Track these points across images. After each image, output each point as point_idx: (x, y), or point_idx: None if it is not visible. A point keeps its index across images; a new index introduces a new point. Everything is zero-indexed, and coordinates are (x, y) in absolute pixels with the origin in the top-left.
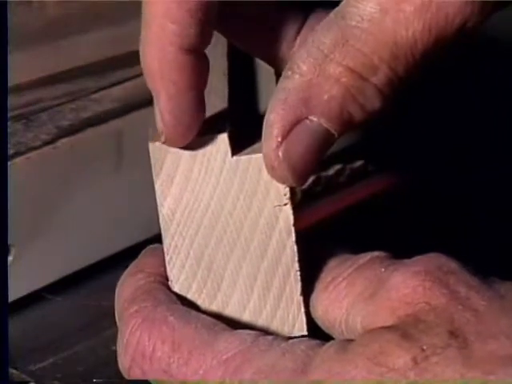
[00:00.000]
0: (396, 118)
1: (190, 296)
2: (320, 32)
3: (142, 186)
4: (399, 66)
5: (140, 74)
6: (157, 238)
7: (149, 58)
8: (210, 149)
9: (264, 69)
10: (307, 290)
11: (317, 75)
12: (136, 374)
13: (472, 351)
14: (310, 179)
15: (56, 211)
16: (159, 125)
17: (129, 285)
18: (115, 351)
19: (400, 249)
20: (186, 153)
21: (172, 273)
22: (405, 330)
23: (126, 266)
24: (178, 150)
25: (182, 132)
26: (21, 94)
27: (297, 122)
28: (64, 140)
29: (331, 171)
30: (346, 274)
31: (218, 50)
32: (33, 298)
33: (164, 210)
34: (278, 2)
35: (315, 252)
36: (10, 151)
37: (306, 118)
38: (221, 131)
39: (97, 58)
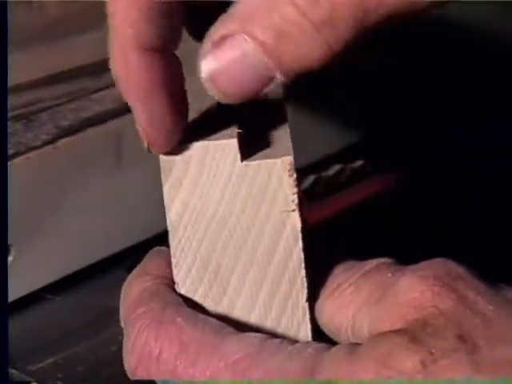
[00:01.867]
0: (396, 117)
1: (195, 300)
2: None
3: (142, 185)
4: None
5: None
6: (156, 238)
7: (114, 66)
8: (219, 153)
9: None
10: (312, 297)
11: (258, 2)
12: (142, 375)
13: (480, 355)
14: (311, 179)
15: (56, 211)
16: (140, 132)
17: (135, 286)
18: (115, 351)
19: (400, 249)
20: (196, 156)
21: (178, 276)
22: (413, 333)
23: (126, 266)
24: (187, 153)
25: (162, 137)
26: (21, 94)
27: (228, 35)
28: (64, 140)
29: (331, 171)
30: (352, 280)
31: None
32: (33, 298)
33: (172, 214)
34: None
35: (320, 258)
36: (10, 151)
37: (240, 35)
38: (230, 135)
39: (97, 58)
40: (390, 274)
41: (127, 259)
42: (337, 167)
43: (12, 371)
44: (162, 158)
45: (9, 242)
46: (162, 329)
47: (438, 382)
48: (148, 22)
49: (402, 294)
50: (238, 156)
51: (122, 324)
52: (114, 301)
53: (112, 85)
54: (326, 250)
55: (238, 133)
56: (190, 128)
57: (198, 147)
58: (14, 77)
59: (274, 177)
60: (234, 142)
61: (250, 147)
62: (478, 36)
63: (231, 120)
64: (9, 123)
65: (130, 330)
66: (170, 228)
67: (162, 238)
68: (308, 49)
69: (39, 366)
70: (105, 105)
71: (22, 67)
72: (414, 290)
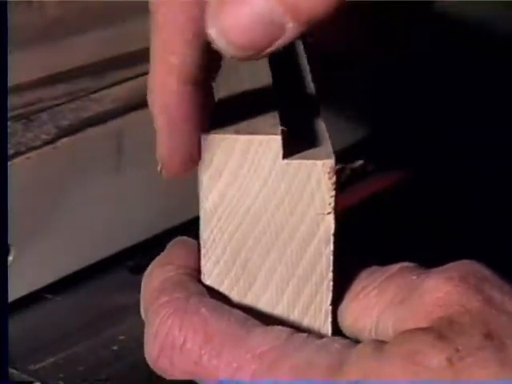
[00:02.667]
0: (396, 117)
1: (221, 291)
2: None
3: (142, 186)
4: None
5: (140, 74)
6: (156, 239)
7: (151, 86)
8: (262, 148)
9: (303, 67)
10: (336, 300)
11: None
12: (164, 365)
13: (508, 353)
14: None
15: (56, 211)
16: (158, 155)
17: (157, 275)
18: (115, 351)
19: (401, 248)
20: (238, 149)
21: (206, 267)
22: (439, 331)
23: (126, 266)
24: (230, 145)
25: (179, 166)
26: (21, 94)
27: None
28: (64, 140)
29: None
30: (377, 283)
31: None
32: (33, 298)
33: (207, 204)
34: None
35: (345, 263)
36: (10, 151)
37: None
38: (274, 131)
39: (97, 58)
40: (414, 277)
41: (127, 259)
42: (337, 167)
43: (12, 371)
44: (204, 146)
45: (9, 242)
46: (186, 318)
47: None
48: (193, 53)
49: (428, 294)
50: (281, 153)
51: (143, 312)
52: (114, 301)
53: (112, 85)
54: (351, 256)
55: (282, 130)
56: (227, 116)
57: (241, 140)
58: (14, 77)
59: (314, 178)
60: (279, 138)
61: (292, 145)
62: (478, 36)
63: (267, 111)
64: (9, 123)
65: (153, 318)
66: (203, 218)
67: (162, 238)
68: None
69: (39, 366)
70: (105, 105)
71: (22, 67)
72: (439, 290)
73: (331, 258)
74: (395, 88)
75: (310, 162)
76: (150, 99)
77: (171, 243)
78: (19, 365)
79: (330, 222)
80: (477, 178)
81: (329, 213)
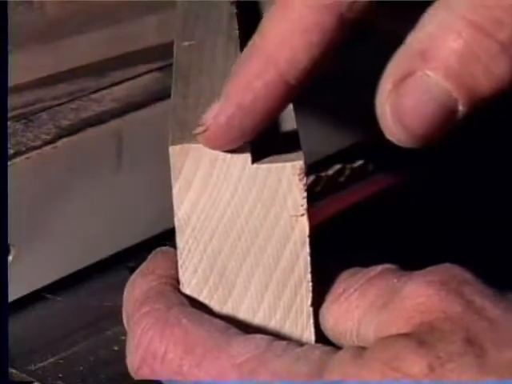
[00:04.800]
0: None
1: (200, 300)
2: None
3: (142, 186)
4: None
5: (140, 74)
6: (156, 239)
7: (244, 66)
8: (230, 155)
9: None
10: (317, 302)
11: (437, 27)
12: (146, 375)
13: (488, 359)
14: (310, 179)
15: (56, 211)
16: (206, 120)
17: (140, 285)
18: (115, 351)
19: (400, 249)
20: (206, 157)
21: (184, 277)
22: (420, 337)
23: (126, 266)
24: (197, 154)
25: (224, 136)
26: (21, 94)
27: (409, 73)
28: (64, 140)
29: (331, 171)
30: (358, 285)
31: (230, 53)
32: (33, 298)
33: (180, 214)
34: None
35: (325, 264)
36: (10, 151)
37: (422, 71)
38: None
39: (97, 58)
40: (395, 280)
41: (127, 259)
42: (337, 167)
43: (12, 371)
44: (172, 157)
45: (9, 242)
46: (167, 329)
47: None
48: (307, 56)
49: (409, 299)
50: (249, 158)
51: (125, 322)
52: (115, 301)
53: (112, 85)
54: (325, 249)
55: None
56: (197, 121)
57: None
58: (14, 77)
59: (284, 181)
60: (246, 143)
61: (261, 149)
62: None
63: None
64: (9, 123)
65: (135, 329)
66: (177, 228)
67: (161, 239)
68: (498, 70)
69: (39, 366)
70: (105, 105)
71: (22, 67)
72: (420, 295)
73: (308, 259)
74: None
75: (279, 164)
76: (235, 72)
77: (153, 253)
78: (19, 365)
79: (304, 224)
80: (477, 178)
81: (302, 214)
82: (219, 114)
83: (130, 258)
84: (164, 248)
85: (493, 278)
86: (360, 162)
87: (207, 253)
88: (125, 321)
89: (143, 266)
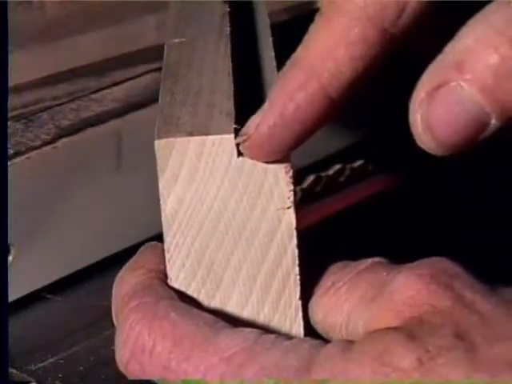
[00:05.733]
0: (396, 117)
1: (188, 294)
2: (490, 13)
3: (142, 186)
4: None
5: (140, 74)
6: (156, 239)
7: (287, 77)
8: (215, 148)
9: (269, 68)
10: (306, 295)
11: (475, 40)
12: (134, 369)
13: (478, 354)
14: (310, 179)
15: (56, 211)
16: (248, 129)
17: (128, 280)
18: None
19: (400, 249)
20: (192, 152)
21: (172, 271)
22: (410, 330)
23: None
24: (183, 148)
25: (265, 146)
26: (21, 94)
27: (443, 83)
28: (64, 140)
29: (331, 171)
30: (347, 278)
31: (221, 50)
32: (33, 298)
33: (167, 209)
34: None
35: (315, 258)
36: (10, 151)
37: (456, 82)
38: (227, 131)
39: (97, 58)
40: (385, 273)
41: (127, 259)
42: (337, 167)
43: (12, 371)
44: (158, 151)
45: (9, 242)
46: (155, 323)
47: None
48: (348, 70)
49: (398, 293)
50: (235, 151)
51: (114, 317)
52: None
53: (112, 85)
54: (325, 249)
55: (235, 128)
56: (183, 116)
57: (194, 141)
58: (14, 77)
59: (270, 173)
60: (231, 137)
61: None
62: None
63: (227, 115)
64: (9, 123)
65: (123, 323)
66: (164, 223)
67: (161, 239)
68: None
69: (39, 366)
70: (105, 105)
71: (22, 67)
72: (410, 289)
73: (296, 251)
74: (395, 88)
75: None
76: (280, 83)
77: (142, 248)
78: (19, 365)
79: (291, 216)
80: (477, 178)
81: (289, 207)
82: (261, 123)
83: (129, 258)
84: (153, 243)
85: (493, 278)
86: (360, 162)
87: (195, 247)
88: (114, 316)
89: (132, 260)
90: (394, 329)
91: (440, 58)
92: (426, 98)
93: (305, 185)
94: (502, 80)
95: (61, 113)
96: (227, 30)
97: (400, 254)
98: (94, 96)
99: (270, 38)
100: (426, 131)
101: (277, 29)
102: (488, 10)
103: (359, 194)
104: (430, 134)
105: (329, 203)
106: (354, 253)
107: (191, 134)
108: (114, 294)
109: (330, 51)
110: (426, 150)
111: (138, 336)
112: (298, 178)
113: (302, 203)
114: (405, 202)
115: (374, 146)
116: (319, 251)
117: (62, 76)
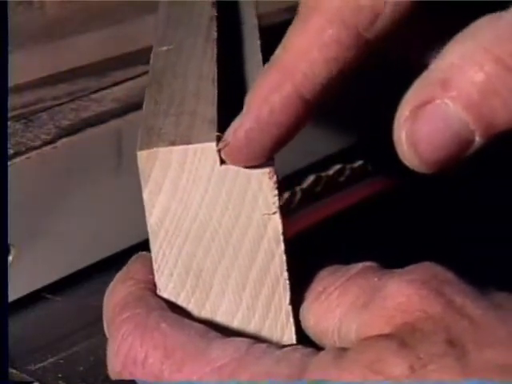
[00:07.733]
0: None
1: (178, 304)
2: (477, 29)
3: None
4: None
5: (140, 74)
6: None
7: (263, 79)
8: (198, 157)
9: (255, 72)
10: (297, 301)
11: (460, 57)
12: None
13: (469, 360)
14: (310, 179)
15: (56, 211)
16: (227, 136)
17: (119, 291)
18: None
19: (400, 249)
20: (175, 161)
21: (160, 281)
22: (401, 338)
23: None
24: (166, 158)
25: (243, 151)
26: (21, 94)
27: (428, 101)
28: (64, 140)
29: (331, 171)
30: (339, 283)
31: (207, 55)
32: (33, 298)
33: (152, 219)
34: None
35: (306, 263)
36: (10, 151)
37: (441, 100)
38: (209, 139)
39: (97, 58)
40: (376, 278)
41: (127, 259)
42: (337, 167)
43: (12, 371)
44: (141, 162)
45: (9, 242)
46: (147, 334)
47: None
48: (323, 72)
49: (390, 299)
50: (218, 159)
51: (106, 328)
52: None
53: (112, 85)
54: (324, 249)
55: (217, 135)
56: (166, 126)
57: (176, 151)
58: (14, 77)
59: (254, 180)
60: (213, 145)
61: None
62: None
63: (210, 122)
64: (9, 123)
65: (115, 334)
66: (150, 233)
67: None
68: None
69: (39, 366)
70: (105, 105)
71: (22, 67)
72: (401, 294)
73: (284, 257)
74: (395, 88)
75: None
76: (256, 91)
77: (132, 259)
78: (19, 365)
79: (277, 222)
80: (477, 178)
81: (274, 212)
82: (239, 128)
83: (129, 259)
84: (142, 253)
85: (492, 278)
86: (360, 162)
87: (182, 256)
88: (105, 327)
89: (122, 271)
90: (386, 336)
91: (425, 74)
92: (411, 115)
93: (305, 185)
94: (487, 97)
95: (61, 113)
96: (214, 34)
97: (400, 254)
98: (93, 96)
99: (258, 41)
100: (410, 148)
101: (277, 29)
102: (475, 26)
103: (359, 194)
104: (414, 151)
105: (329, 203)
106: (353, 253)
107: (173, 144)
108: (104, 305)
109: (304, 52)
110: (410, 167)
111: (129, 347)
112: (297, 178)
113: (301, 203)
114: (404, 202)
115: (373, 146)
116: (319, 251)
117: (62, 76)
